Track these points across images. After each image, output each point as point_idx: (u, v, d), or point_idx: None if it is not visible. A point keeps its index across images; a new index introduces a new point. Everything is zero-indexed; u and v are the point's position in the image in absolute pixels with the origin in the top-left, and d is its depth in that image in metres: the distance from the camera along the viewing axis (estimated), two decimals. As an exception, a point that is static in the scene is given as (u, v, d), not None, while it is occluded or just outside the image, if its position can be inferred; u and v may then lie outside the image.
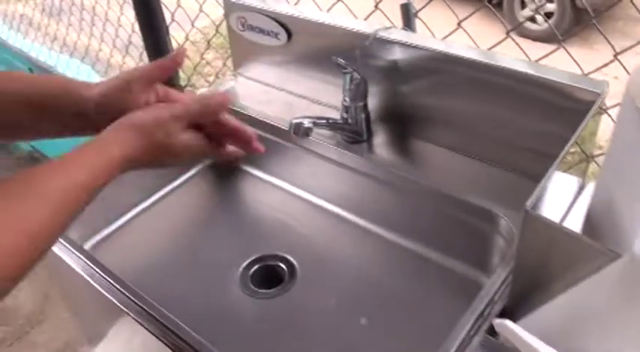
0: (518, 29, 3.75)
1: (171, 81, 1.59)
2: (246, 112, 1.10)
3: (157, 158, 0.65)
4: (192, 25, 1.62)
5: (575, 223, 0.76)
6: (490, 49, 1.02)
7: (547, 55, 0.96)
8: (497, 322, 0.62)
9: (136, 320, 0.78)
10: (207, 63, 1.71)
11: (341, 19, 1.01)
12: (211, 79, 1.75)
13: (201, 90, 1.44)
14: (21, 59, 2.21)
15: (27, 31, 2.45)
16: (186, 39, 1.63)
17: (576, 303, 0.61)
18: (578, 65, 0.92)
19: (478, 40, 1.02)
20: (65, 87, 0.67)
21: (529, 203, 0.63)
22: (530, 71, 0.83)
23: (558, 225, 0.61)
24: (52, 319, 1.80)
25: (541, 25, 3.50)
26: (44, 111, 0.66)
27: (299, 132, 0.90)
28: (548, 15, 3.75)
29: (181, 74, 1.65)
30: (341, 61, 0.92)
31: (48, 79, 0.67)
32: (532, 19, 3.66)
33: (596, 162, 0.93)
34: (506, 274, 0.75)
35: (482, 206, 0.86)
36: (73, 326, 1.74)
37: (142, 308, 0.78)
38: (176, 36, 1.59)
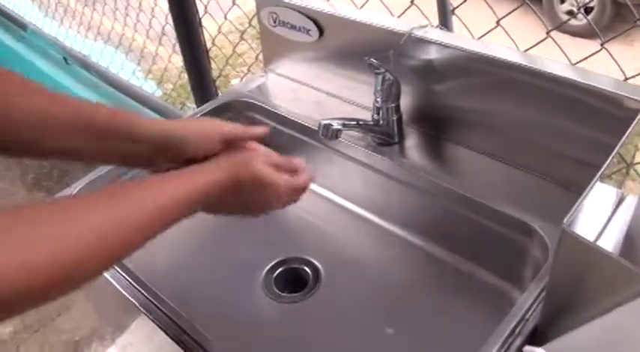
0: (556, 24, 3.65)
1: (203, 71, 1.58)
2: (275, 110, 1.08)
3: (246, 194, 0.66)
4: (225, 18, 1.60)
5: (613, 240, 0.72)
6: (529, 49, 0.98)
7: (588, 57, 0.91)
8: (528, 350, 0.59)
9: (154, 322, 0.77)
10: (239, 55, 1.69)
11: (375, 16, 0.97)
12: (244, 69, 1.72)
13: (233, 82, 1.43)
14: (56, 48, 2.23)
15: (62, 19, 2.46)
16: (219, 31, 1.61)
17: (613, 330, 0.58)
18: (620, 67, 0.87)
19: (516, 34, 0.97)
20: (129, 122, 0.66)
21: (566, 220, 0.60)
22: (572, 76, 0.79)
23: (596, 246, 0.58)
24: (78, 307, 1.82)
25: (580, 20, 3.38)
26: (104, 141, 0.65)
27: (328, 133, 0.87)
28: (588, 10, 3.62)
29: (213, 65, 1.63)
30: (373, 61, 0.89)
31: (113, 112, 0.66)
32: (571, 14, 3.54)
33: (635, 171, 0.88)
34: (538, 291, 0.72)
35: (516, 217, 0.82)
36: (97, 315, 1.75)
37: (160, 310, 0.76)
38: (208, 27, 1.57)
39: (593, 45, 0.88)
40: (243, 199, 0.67)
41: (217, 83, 1.64)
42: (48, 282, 0.46)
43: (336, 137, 0.88)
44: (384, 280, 0.93)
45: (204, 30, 1.52)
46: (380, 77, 0.91)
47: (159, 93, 2.26)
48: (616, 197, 0.83)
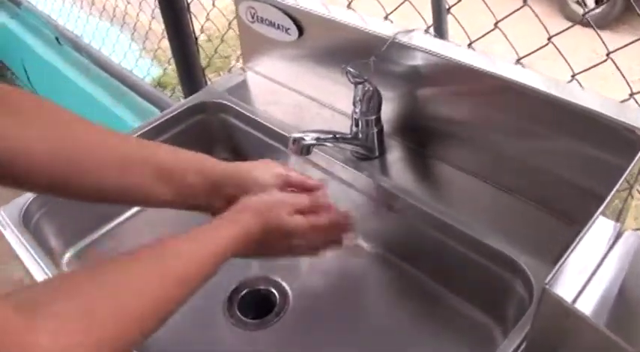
0: (566, 13, 3.51)
1: (192, 62, 1.50)
2: (250, 115, 1.00)
3: (270, 241, 0.66)
4: (213, 5, 1.52)
5: (605, 286, 0.64)
6: (529, 55, 0.89)
7: (592, 67, 0.82)
8: None
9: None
10: (229, 46, 1.60)
11: (357, 17, 0.88)
12: (232, 59, 1.64)
13: (215, 79, 1.35)
14: (48, 27, 2.15)
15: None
16: (207, 19, 1.53)
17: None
18: (626, 80, 0.79)
19: (526, 26, 0.87)
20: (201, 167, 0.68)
21: (549, 278, 0.52)
22: (569, 98, 0.69)
23: (582, 314, 0.50)
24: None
25: (591, 8, 3.25)
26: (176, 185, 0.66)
27: (297, 149, 0.79)
28: (599, 0, 3.47)
29: (202, 53, 1.55)
30: (351, 70, 0.80)
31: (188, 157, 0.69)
32: (582, 4, 3.39)
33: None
34: (520, 340, 0.64)
35: (501, 251, 0.74)
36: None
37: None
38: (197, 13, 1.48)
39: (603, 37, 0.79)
40: (268, 245, 0.67)
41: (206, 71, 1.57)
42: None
43: (308, 153, 0.80)
44: (359, 304, 0.86)
45: (192, 17, 1.44)
46: (359, 87, 0.82)
47: (155, 71, 2.18)
48: (613, 232, 0.74)
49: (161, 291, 0.52)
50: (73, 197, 0.64)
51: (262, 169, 0.71)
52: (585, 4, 3.34)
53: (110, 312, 0.46)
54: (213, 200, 0.68)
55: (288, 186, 0.72)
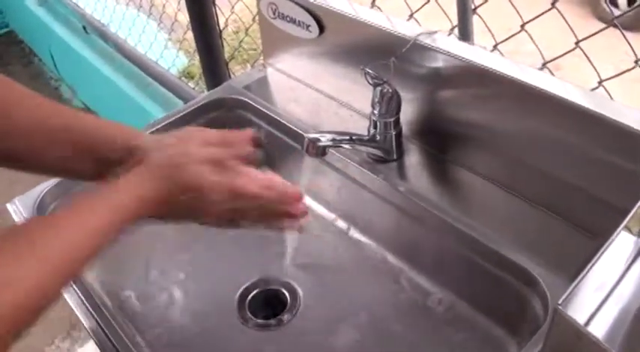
0: (598, 14, 3.42)
1: (215, 54, 1.49)
2: (268, 112, 0.99)
3: (184, 202, 0.58)
4: (238, -3, 1.51)
5: (622, 306, 0.61)
6: (556, 59, 0.86)
7: (622, 73, 0.79)
8: None
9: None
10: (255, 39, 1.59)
11: (379, 16, 0.86)
12: (258, 50, 1.63)
13: (237, 75, 1.34)
14: (76, 15, 2.16)
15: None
16: (232, 12, 1.52)
17: None
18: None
19: (557, 24, 0.85)
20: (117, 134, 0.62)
21: (562, 299, 0.50)
22: (596, 108, 0.67)
23: (595, 338, 0.47)
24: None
25: (623, 10, 3.16)
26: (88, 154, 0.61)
27: (313, 150, 0.78)
28: (631, 1, 3.37)
29: (226, 46, 1.54)
30: (370, 71, 0.78)
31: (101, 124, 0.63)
32: (614, 4, 3.30)
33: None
34: (532, 358, 0.62)
35: (518, 262, 0.72)
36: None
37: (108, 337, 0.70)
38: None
39: (634, 38, 0.76)
40: (183, 207, 0.58)
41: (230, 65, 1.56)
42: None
43: (323, 154, 0.79)
44: (369, 309, 0.84)
45: (217, 10, 1.43)
46: (378, 89, 0.80)
47: (180, 62, 2.18)
48: (634, 248, 0.71)
49: (35, 280, 0.47)
50: None
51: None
52: (617, 5, 3.25)
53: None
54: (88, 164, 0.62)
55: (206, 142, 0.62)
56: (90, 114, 0.66)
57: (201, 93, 1.37)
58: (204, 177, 0.58)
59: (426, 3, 0.98)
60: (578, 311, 0.52)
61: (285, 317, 0.84)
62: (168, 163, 0.58)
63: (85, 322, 0.73)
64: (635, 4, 3.29)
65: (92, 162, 0.61)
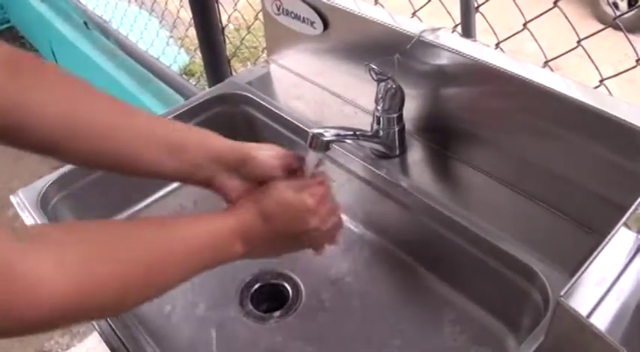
0: (598, 15, 3.43)
1: (217, 51, 1.50)
2: (271, 107, 0.99)
3: (279, 228, 0.65)
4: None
5: (623, 300, 0.62)
6: (558, 57, 0.87)
7: (623, 72, 0.80)
8: None
9: (107, 344, 0.71)
10: (257, 37, 1.60)
11: (383, 13, 0.87)
12: (259, 48, 1.63)
13: (239, 71, 1.34)
14: (77, 11, 2.16)
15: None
16: (234, 9, 1.52)
17: None
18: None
19: (557, 24, 0.86)
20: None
21: (564, 291, 0.50)
22: (598, 105, 0.67)
23: (597, 330, 0.48)
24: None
25: (624, 12, 3.16)
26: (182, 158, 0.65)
27: (316, 145, 0.78)
28: (632, 2, 3.38)
29: (228, 44, 1.54)
30: (374, 67, 0.79)
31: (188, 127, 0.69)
32: (614, 5, 3.31)
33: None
34: (532, 350, 0.63)
35: (517, 257, 0.72)
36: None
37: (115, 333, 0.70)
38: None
39: (635, 40, 0.77)
40: (283, 231, 0.65)
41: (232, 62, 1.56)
42: (100, 304, 0.48)
43: (326, 149, 0.79)
44: (371, 303, 0.85)
45: (220, 7, 1.44)
46: (382, 84, 0.81)
47: (181, 59, 2.18)
48: (634, 244, 0.72)
49: (158, 264, 0.53)
50: (72, 162, 0.67)
51: (265, 149, 0.69)
52: (617, 6, 3.26)
53: (109, 265, 0.48)
54: (217, 175, 0.67)
55: (288, 167, 0.70)
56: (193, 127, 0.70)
57: (202, 91, 1.38)
58: (289, 193, 0.66)
59: (428, 1, 0.99)
60: (580, 304, 0.53)
61: (287, 310, 0.85)
62: (258, 194, 0.66)
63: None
64: (636, 6, 3.30)
65: (173, 160, 0.65)
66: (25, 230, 0.47)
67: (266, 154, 0.68)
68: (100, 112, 0.61)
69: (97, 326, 0.72)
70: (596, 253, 0.52)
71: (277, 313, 0.85)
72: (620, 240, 0.71)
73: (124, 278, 0.50)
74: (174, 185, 1.02)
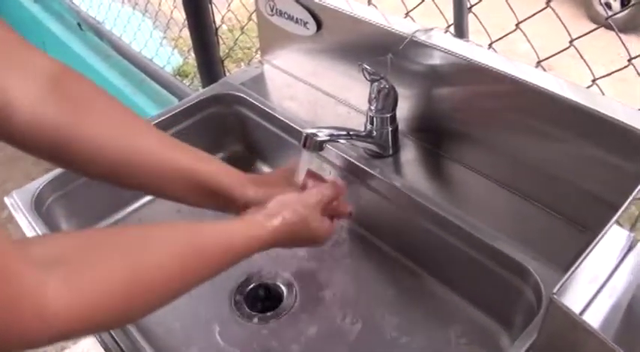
0: (591, 15, 3.45)
1: (211, 52, 1.50)
2: (264, 107, 1.00)
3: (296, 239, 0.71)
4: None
5: (615, 298, 0.63)
6: (549, 58, 0.88)
7: (615, 72, 0.81)
8: None
9: (101, 344, 0.71)
10: (250, 38, 1.60)
11: (376, 13, 0.87)
12: (253, 49, 1.64)
13: (233, 71, 1.34)
14: (70, 12, 2.16)
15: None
16: (228, 9, 1.52)
17: None
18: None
19: (548, 25, 0.86)
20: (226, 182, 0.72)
21: (557, 288, 0.51)
22: (590, 104, 0.68)
23: (590, 327, 0.48)
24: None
25: (617, 12, 3.17)
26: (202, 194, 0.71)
27: (309, 145, 0.78)
28: (625, 3, 3.39)
29: (222, 45, 1.55)
30: (367, 66, 0.79)
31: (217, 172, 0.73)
32: (607, 5, 3.32)
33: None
34: (526, 348, 0.63)
35: (510, 255, 0.73)
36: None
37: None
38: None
39: (628, 41, 0.77)
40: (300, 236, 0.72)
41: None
42: (122, 310, 0.48)
43: (320, 149, 0.79)
44: (365, 303, 0.85)
45: (213, 7, 1.44)
46: (375, 84, 0.81)
47: (175, 60, 2.18)
48: (626, 242, 0.73)
49: (176, 267, 0.54)
50: (113, 185, 0.68)
51: (285, 195, 0.73)
52: (610, 7, 3.28)
53: (123, 274, 0.48)
54: (236, 209, 0.73)
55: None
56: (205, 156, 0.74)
57: (195, 92, 1.38)
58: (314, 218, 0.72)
59: (421, 2, 0.99)
60: (573, 302, 0.54)
61: (281, 310, 0.85)
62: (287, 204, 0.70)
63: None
64: (628, 6, 3.32)
65: (203, 199, 0.72)
66: (37, 244, 0.45)
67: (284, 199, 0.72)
68: (145, 150, 0.66)
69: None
70: (588, 251, 0.53)
71: (271, 313, 0.85)
72: (613, 238, 0.72)
73: (134, 288, 0.49)
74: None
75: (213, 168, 0.72)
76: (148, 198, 1.01)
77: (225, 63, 1.57)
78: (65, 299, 0.42)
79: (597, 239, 0.54)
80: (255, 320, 0.84)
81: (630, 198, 0.60)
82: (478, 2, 0.95)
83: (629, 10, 3.30)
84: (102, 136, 0.62)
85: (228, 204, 0.72)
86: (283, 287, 0.88)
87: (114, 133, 0.63)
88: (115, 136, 0.63)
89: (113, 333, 0.70)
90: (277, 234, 0.66)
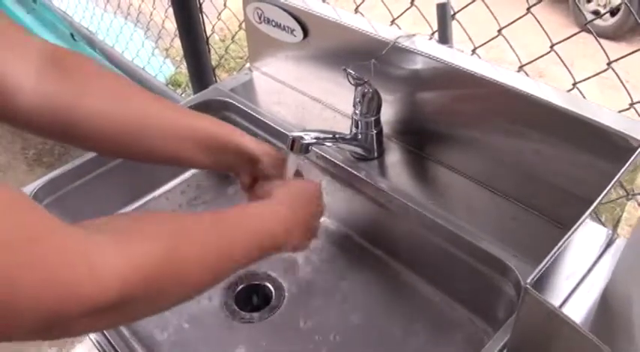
0: (580, 23, 3.49)
1: (202, 61, 1.52)
2: (252, 112, 1.02)
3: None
4: (225, 5, 1.53)
5: (593, 292, 0.65)
6: (530, 63, 0.90)
7: (594, 75, 0.83)
8: None
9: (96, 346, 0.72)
10: (242, 47, 1.62)
11: (361, 20, 0.90)
12: (245, 58, 1.66)
13: (222, 79, 1.36)
14: (63, 23, 2.18)
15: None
16: (218, 19, 1.55)
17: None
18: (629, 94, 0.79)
19: (536, 36, 0.88)
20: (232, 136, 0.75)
21: (531, 278, 0.52)
22: (569, 107, 0.70)
23: (562, 314, 0.50)
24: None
25: (606, 20, 3.21)
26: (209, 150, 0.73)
27: (296, 148, 0.80)
28: (614, 12, 3.43)
29: (213, 54, 1.57)
30: (352, 71, 0.81)
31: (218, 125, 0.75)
32: (597, 14, 3.36)
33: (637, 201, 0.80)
34: (504, 341, 0.65)
35: (491, 252, 0.75)
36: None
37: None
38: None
39: (617, 48, 0.79)
40: (302, 213, 0.70)
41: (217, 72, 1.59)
42: (158, 289, 0.47)
43: (306, 152, 0.81)
44: (352, 301, 0.87)
45: (204, 17, 1.46)
46: (359, 89, 0.84)
47: (167, 69, 2.20)
48: (606, 238, 0.75)
49: (213, 256, 0.54)
50: (124, 157, 0.72)
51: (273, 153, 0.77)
52: (598, 13, 3.32)
53: (167, 246, 0.48)
54: (239, 166, 0.76)
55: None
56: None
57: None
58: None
59: (407, 9, 1.01)
60: (550, 297, 0.55)
61: (270, 310, 0.86)
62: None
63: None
64: (617, 16, 3.36)
65: (208, 154, 0.73)
66: (89, 222, 0.46)
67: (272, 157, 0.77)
68: (147, 118, 0.67)
69: (90, 337, 0.73)
70: (562, 241, 0.55)
71: (260, 313, 0.87)
72: (592, 235, 0.74)
73: (183, 264, 0.50)
74: (163, 188, 1.04)
75: (212, 122, 0.75)
76: (142, 200, 1.03)
77: (218, 72, 1.60)
78: (117, 259, 0.42)
79: (571, 230, 0.55)
80: (245, 320, 0.85)
81: (603, 194, 0.62)
82: (462, 9, 0.97)
83: (617, 18, 3.34)
84: (107, 106, 0.63)
85: (236, 159, 0.75)
86: (272, 287, 0.89)
87: (118, 101, 0.64)
88: (120, 104, 0.64)
89: (107, 334, 0.71)
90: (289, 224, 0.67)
